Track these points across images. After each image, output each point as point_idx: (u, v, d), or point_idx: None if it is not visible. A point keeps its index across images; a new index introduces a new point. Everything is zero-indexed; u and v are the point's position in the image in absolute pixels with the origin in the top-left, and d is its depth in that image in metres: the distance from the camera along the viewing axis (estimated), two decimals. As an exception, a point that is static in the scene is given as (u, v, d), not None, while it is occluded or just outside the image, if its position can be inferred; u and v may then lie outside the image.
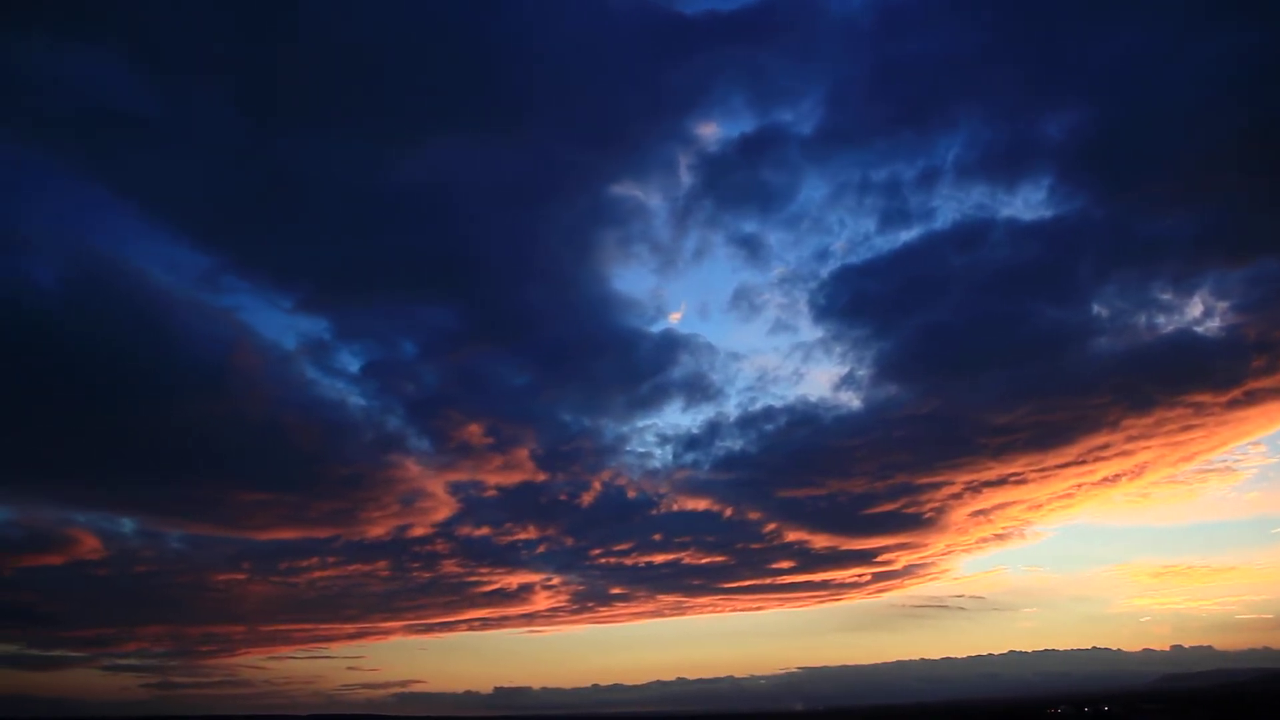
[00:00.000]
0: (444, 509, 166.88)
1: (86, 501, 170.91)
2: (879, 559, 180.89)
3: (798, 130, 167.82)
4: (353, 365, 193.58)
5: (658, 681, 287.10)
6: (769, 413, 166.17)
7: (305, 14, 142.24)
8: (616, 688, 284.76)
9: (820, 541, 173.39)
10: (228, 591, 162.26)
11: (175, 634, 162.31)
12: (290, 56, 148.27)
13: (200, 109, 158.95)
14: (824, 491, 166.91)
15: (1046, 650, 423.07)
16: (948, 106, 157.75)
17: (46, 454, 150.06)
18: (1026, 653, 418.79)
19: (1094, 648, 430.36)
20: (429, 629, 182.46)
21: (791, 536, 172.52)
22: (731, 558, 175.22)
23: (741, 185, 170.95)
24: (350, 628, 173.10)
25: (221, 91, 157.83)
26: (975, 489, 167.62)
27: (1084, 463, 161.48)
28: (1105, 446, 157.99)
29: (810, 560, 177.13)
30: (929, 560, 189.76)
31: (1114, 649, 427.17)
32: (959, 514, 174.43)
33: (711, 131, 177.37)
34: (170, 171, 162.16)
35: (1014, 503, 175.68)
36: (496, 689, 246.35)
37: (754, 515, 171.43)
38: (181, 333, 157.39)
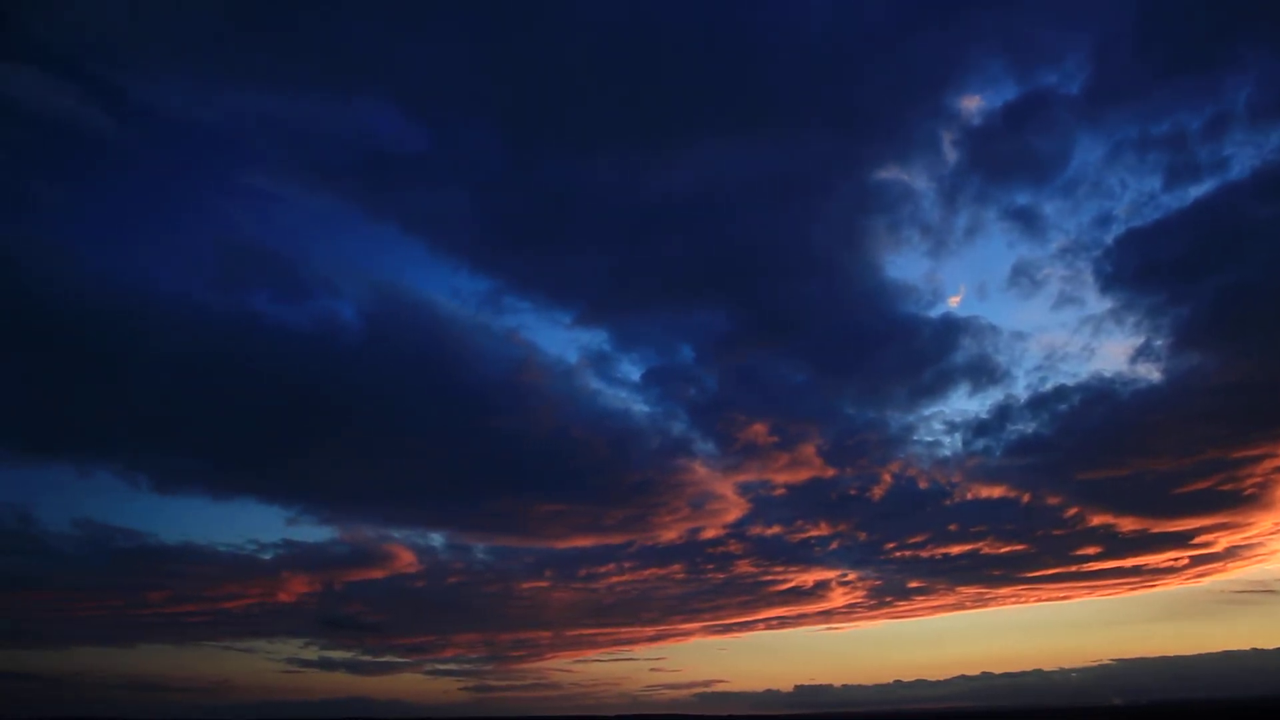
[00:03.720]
0: (734, 510, 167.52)
1: (400, 519, 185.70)
2: (1195, 541, 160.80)
3: (1065, 91, 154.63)
4: (634, 374, 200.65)
5: (962, 676, 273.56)
6: (1061, 392, 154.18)
7: (554, 38, 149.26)
8: (919, 683, 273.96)
9: (1128, 525, 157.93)
10: (532, 599, 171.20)
11: (488, 640, 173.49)
12: (545, 82, 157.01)
13: (466, 142, 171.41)
14: (1127, 471, 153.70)
15: None
16: (1232, 43, 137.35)
17: (363, 477, 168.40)
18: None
19: None
20: (727, 629, 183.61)
21: (1096, 521, 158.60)
22: (1032, 546, 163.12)
23: (1010, 156, 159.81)
24: (650, 630, 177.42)
25: (484, 123, 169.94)
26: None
27: None
28: None
29: (1118, 545, 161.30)
30: (1254, 541, 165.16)
31: None
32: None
33: (973, 104, 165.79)
34: (445, 204, 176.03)
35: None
36: (797, 687, 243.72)
37: (1053, 500, 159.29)
38: (472, 356, 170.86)
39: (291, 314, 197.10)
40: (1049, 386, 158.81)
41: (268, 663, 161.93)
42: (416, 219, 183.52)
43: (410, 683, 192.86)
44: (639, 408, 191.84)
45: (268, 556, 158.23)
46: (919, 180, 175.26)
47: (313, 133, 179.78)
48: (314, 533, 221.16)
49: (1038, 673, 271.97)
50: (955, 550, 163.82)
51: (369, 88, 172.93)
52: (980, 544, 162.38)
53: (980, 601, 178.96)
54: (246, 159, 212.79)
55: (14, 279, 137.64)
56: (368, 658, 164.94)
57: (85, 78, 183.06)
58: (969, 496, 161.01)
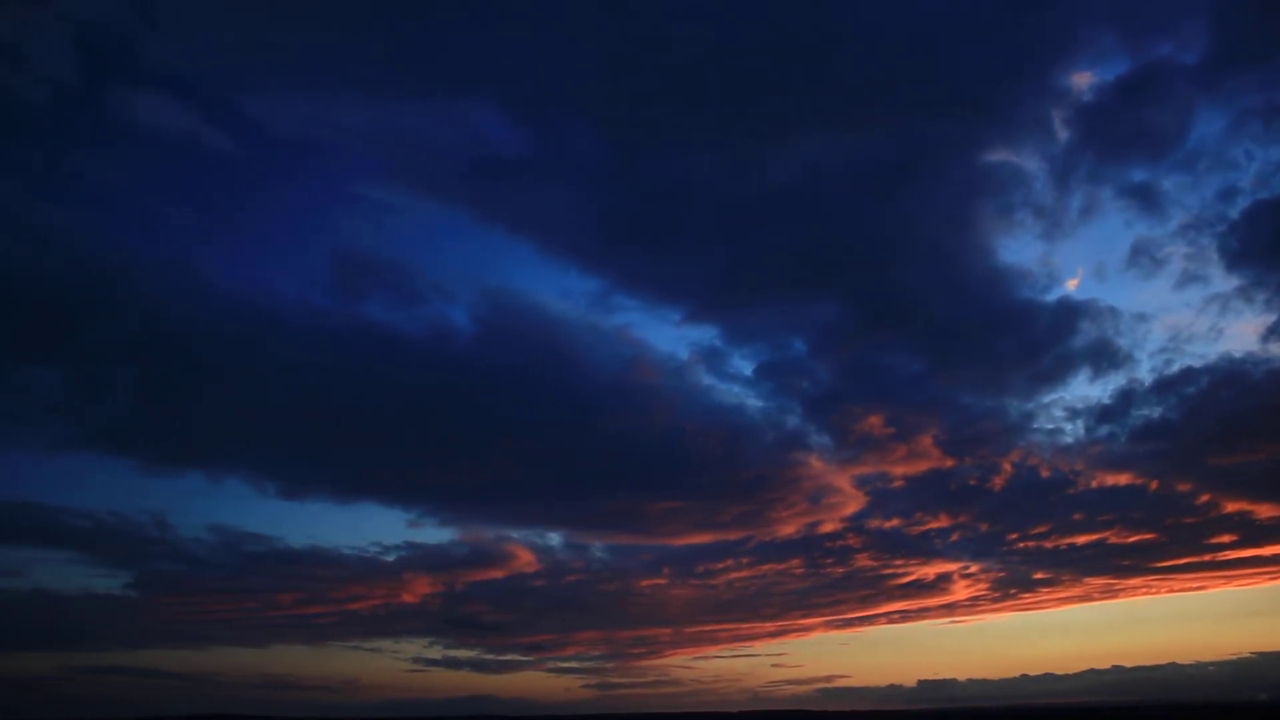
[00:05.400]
0: (852, 503, 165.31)
1: (518, 519, 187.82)
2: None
3: (1181, 60, 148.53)
4: (746, 369, 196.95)
5: (1091, 670, 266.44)
6: (1188, 374, 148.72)
7: (655, 35, 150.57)
8: (1047, 677, 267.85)
9: (1265, 511, 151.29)
10: (651, 596, 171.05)
11: (607, 638, 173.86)
12: (647, 79, 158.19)
13: (570, 144, 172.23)
14: (1263, 455, 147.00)
15: None
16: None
17: (480, 479, 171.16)
18: None
19: None
20: (848, 624, 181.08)
21: (1231, 508, 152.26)
22: (1162, 534, 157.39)
23: (1125, 132, 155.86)
24: (770, 626, 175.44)
25: (588, 123, 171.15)
26: None
27: None
28: None
29: (1256, 533, 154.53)
30: None
31: None
32: None
33: (1084, 80, 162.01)
34: (551, 205, 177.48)
35: None
36: (920, 682, 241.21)
37: (1183, 487, 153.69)
38: (583, 355, 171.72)
39: (406, 320, 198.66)
40: (1175, 369, 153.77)
41: (394, 662, 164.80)
42: (524, 221, 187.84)
43: (533, 680, 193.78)
44: (752, 403, 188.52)
45: (391, 558, 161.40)
46: (1030, 161, 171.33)
47: (419, 140, 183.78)
48: (434, 534, 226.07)
49: (1172, 666, 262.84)
50: (1081, 540, 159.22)
51: (472, 92, 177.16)
52: (1107, 533, 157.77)
53: (1109, 593, 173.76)
54: (357, 169, 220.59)
55: (144, 297, 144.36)
56: (490, 656, 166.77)
57: (203, 99, 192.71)
58: (1093, 485, 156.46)
